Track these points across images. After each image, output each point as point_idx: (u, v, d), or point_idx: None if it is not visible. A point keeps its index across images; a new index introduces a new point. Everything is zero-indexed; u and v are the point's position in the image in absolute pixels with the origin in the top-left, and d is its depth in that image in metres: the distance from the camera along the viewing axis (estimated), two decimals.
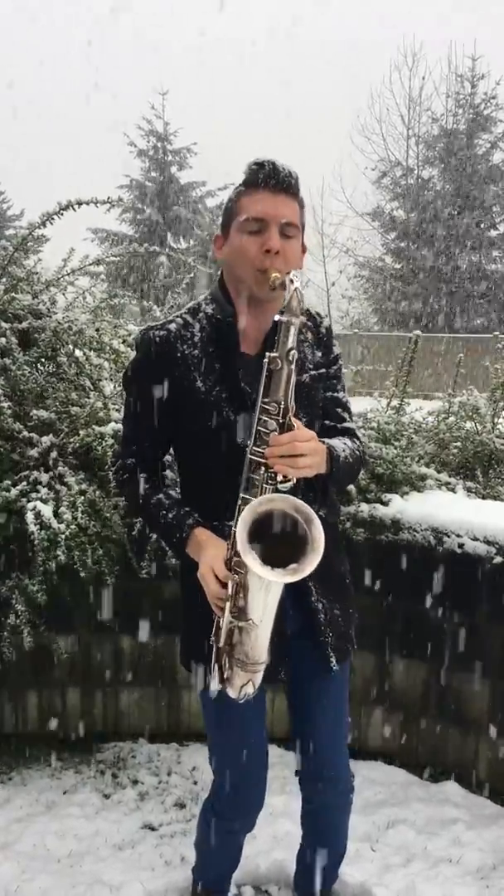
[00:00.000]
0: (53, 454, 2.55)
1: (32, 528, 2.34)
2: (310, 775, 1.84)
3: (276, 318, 1.43)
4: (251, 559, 1.34)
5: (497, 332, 3.88)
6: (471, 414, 3.13)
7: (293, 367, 1.43)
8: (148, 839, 2.39)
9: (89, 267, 2.96)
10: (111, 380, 2.83)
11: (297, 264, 1.56)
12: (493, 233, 22.63)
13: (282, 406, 1.43)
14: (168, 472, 1.99)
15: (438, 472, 2.95)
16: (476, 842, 2.36)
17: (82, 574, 2.36)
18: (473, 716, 2.67)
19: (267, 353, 1.44)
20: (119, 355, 2.85)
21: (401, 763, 2.81)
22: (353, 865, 2.17)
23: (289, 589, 1.49)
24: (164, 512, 1.63)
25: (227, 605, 1.46)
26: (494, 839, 2.38)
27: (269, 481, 1.43)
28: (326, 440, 1.57)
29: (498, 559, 2.47)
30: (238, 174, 1.59)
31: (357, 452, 1.67)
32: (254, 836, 2.10)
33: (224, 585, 1.47)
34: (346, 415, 1.74)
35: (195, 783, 2.69)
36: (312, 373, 1.66)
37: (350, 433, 1.71)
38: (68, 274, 2.93)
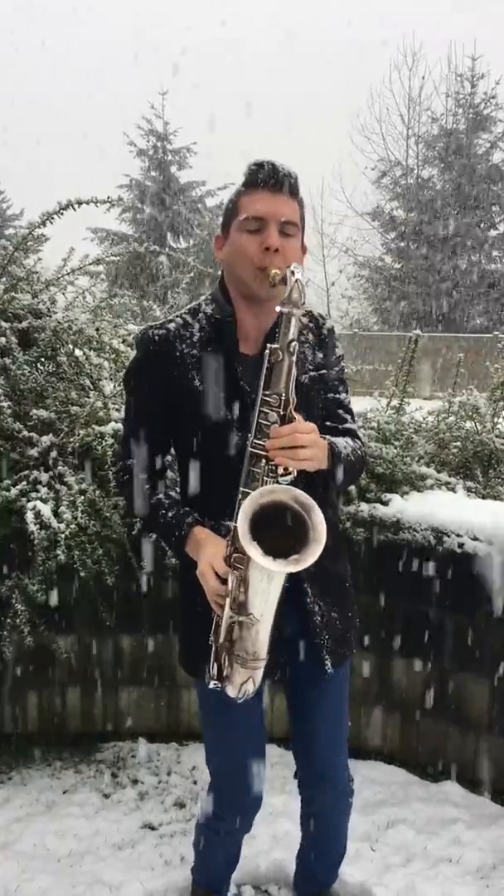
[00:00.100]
0: (53, 454, 2.55)
1: (32, 527, 2.34)
2: (309, 778, 1.83)
3: (278, 308, 1.43)
4: (253, 550, 1.33)
5: (497, 332, 3.87)
6: (471, 414, 3.13)
7: (294, 358, 1.42)
8: (148, 839, 2.39)
9: (89, 266, 2.96)
10: (111, 379, 2.83)
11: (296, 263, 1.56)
12: (493, 233, 22.63)
13: (283, 398, 1.43)
14: (168, 472, 1.99)
15: (438, 471, 2.94)
16: (476, 841, 2.35)
17: (82, 574, 2.36)
18: (473, 715, 2.67)
19: (268, 345, 1.44)
20: (119, 355, 2.85)
21: (401, 763, 2.81)
22: (352, 865, 2.17)
23: (287, 590, 1.48)
24: (164, 511, 1.62)
25: (227, 600, 1.45)
26: (494, 839, 2.38)
27: (270, 474, 1.43)
28: (328, 437, 1.56)
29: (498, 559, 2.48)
30: (238, 174, 1.59)
31: (358, 452, 1.66)
32: (253, 836, 2.11)
33: (223, 582, 1.46)
34: (347, 416, 1.73)
35: (195, 783, 2.69)
36: (312, 374, 1.65)
37: (352, 434, 1.70)
38: (68, 273, 2.93)
